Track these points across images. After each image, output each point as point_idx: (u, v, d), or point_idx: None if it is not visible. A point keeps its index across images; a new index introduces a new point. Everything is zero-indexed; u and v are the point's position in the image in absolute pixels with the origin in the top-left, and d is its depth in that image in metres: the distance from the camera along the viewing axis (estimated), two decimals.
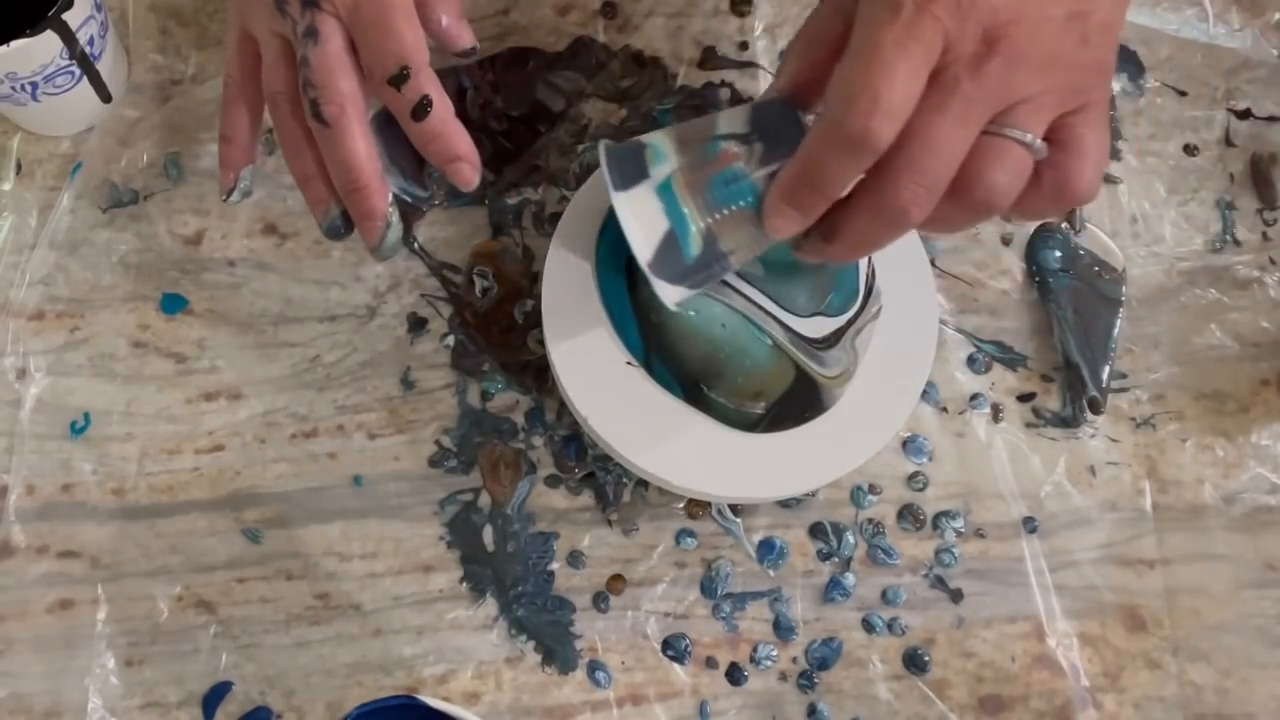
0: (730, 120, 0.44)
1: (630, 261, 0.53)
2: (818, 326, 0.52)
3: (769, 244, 0.44)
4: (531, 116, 0.61)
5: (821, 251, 0.43)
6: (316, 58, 0.46)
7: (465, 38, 0.49)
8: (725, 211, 0.43)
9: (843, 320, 0.53)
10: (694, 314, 0.52)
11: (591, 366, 0.52)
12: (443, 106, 0.47)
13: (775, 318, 0.52)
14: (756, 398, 0.51)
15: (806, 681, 0.53)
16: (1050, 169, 0.40)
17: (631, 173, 0.44)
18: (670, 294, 0.44)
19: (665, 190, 0.44)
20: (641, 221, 0.44)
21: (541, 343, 0.54)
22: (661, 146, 0.45)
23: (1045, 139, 0.39)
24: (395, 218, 0.48)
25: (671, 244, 0.44)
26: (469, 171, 0.48)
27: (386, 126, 0.60)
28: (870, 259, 0.54)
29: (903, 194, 0.38)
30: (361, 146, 0.46)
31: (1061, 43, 0.38)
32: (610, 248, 0.53)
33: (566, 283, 0.53)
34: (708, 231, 0.44)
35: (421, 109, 0.46)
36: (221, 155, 0.52)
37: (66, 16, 0.52)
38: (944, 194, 0.39)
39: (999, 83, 0.38)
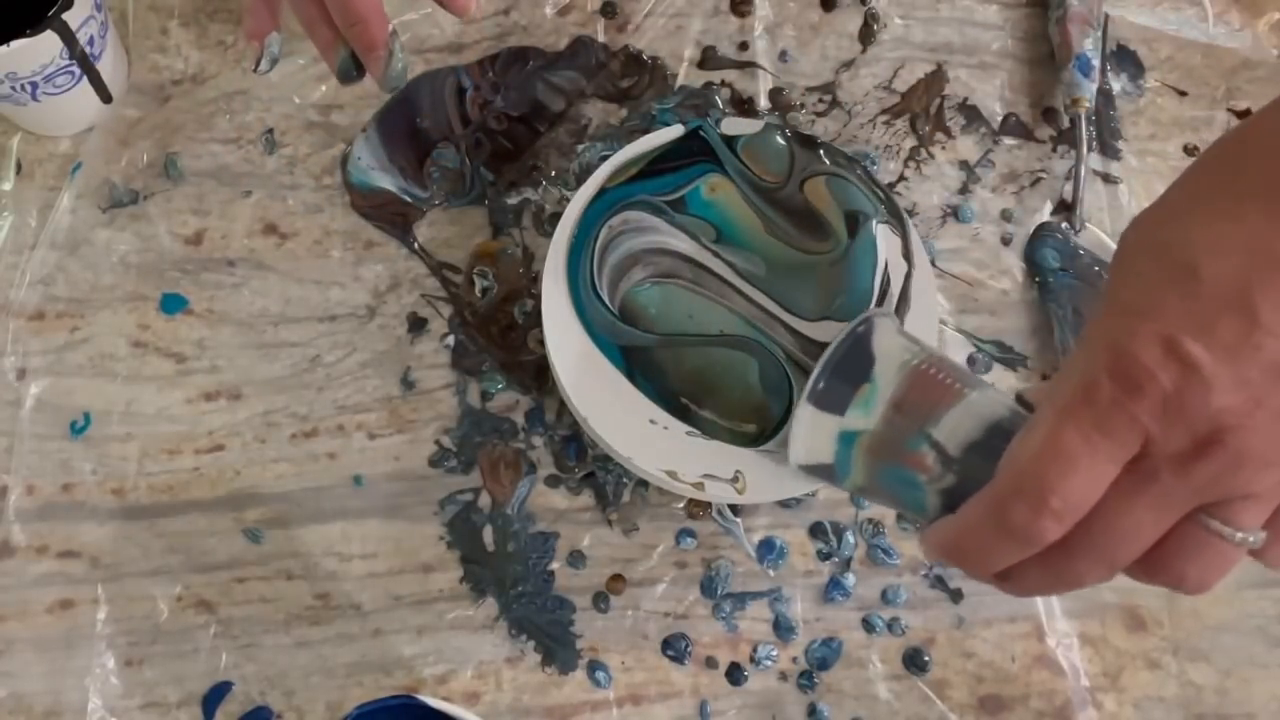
0: (956, 425, 0.40)
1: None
2: (827, 331, 0.52)
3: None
4: (531, 116, 0.60)
5: (987, 582, 0.38)
6: None
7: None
8: (884, 495, 0.44)
9: None
10: (690, 317, 0.51)
11: (591, 367, 0.52)
12: None
13: (781, 321, 0.52)
14: (755, 413, 0.51)
15: (806, 681, 0.53)
16: (1261, 554, 0.35)
17: (834, 398, 0.43)
18: (794, 469, 0.46)
19: (847, 441, 0.43)
20: (811, 444, 0.44)
21: (541, 343, 0.54)
22: (876, 393, 0.42)
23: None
24: (398, 46, 0.48)
25: (823, 472, 0.45)
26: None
27: (386, 127, 0.61)
28: (886, 263, 0.53)
29: (1077, 566, 0.35)
30: None
31: None
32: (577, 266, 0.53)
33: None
34: (859, 490, 0.45)
35: None
36: (245, 28, 0.52)
37: (66, 16, 0.52)
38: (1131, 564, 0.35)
39: (1210, 482, 0.33)
